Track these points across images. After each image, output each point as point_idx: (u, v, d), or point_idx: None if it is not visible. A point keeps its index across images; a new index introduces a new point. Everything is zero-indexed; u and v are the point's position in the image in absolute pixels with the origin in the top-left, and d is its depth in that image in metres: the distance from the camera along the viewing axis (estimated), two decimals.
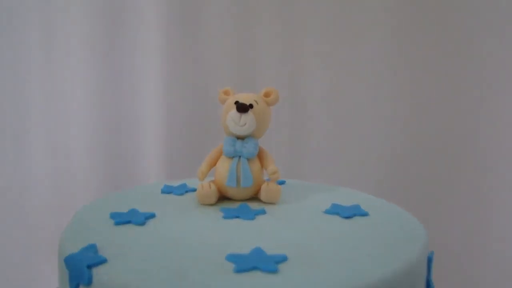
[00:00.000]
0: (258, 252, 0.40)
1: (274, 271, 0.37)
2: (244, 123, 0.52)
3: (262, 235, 0.45)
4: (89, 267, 0.39)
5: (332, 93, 0.91)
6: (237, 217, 0.49)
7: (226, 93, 0.55)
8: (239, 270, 0.37)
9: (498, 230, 0.83)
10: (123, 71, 0.92)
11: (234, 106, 0.53)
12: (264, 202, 0.54)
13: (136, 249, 0.42)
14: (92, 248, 0.41)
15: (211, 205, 0.53)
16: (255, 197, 0.55)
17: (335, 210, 0.51)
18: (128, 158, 0.93)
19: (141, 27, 0.91)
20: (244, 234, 0.45)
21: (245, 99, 0.53)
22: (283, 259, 0.39)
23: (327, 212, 0.51)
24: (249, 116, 0.52)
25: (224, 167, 0.53)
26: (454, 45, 0.84)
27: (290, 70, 0.91)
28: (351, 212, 0.50)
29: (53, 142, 0.89)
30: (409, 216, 0.51)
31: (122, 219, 0.48)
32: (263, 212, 0.51)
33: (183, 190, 0.58)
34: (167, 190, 0.58)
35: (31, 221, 0.88)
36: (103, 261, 0.39)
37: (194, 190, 0.58)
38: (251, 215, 0.50)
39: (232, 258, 0.39)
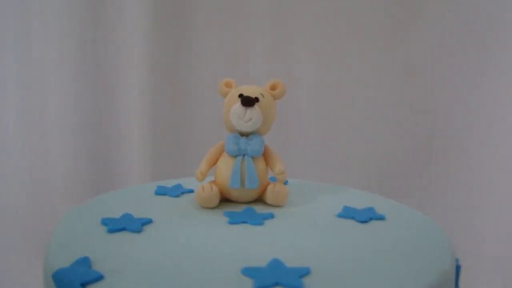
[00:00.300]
0: (277, 265, 0.36)
1: (299, 287, 0.33)
2: (249, 119, 0.47)
3: (276, 243, 0.40)
4: (83, 285, 0.33)
5: (323, 90, 0.88)
6: (244, 222, 0.45)
7: (228, 85, 0.50)
8: (259, 287, 0.33)
9: (496, 229, 0.82)
10: (104, 68, 0.86)
11: (238, 100, 0.48)
12: (270, 205, 0.49)
13: (135, 262, 0.36)
14: (85, 262, 0.36)
15: (212, 208, 0.48)
16: (259, 199, 0.50)
17: (349, 214, 0.47)
18: (111, 158, 0.87)
19: (123, 23, 0.85)
20: (255, 243, 0.40)
21: (250, 91, 0.48)
22: (306, 272, 0.35)
23: (341, 216, 0.47)
24: (255, 110, 0.47)
25: (226, 166, 0.48)
26: (450, 43, 0.82)
27: (280, 66, 0.88)
28: (367, 216, 0.46)
29: (31, 142, 0.82)
30: (426, 219, 0.48)
31: (115, 226, 0.42)
32: (271, 216, 0.46)
33: (179, 191, 0.53)
34: (161, 192, 0.53)
35: (8, 221, 0.81)
36: (99, 278, 0.34)
37: (190, 191, 0.53)
38: (259, 220, 0.45)
39: (249, 272, 0.34)
